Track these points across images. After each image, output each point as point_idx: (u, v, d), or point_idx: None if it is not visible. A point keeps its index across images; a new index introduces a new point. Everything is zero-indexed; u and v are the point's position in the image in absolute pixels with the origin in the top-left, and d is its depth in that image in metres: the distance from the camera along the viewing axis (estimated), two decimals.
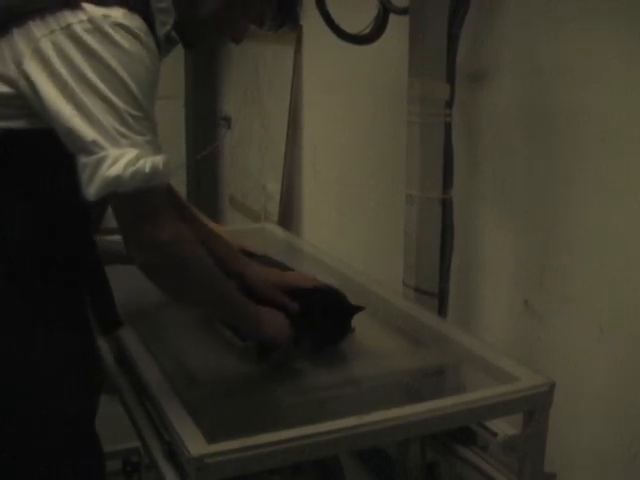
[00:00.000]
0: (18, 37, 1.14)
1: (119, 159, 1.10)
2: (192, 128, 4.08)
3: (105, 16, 1.09)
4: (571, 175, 1.82)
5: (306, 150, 3.15)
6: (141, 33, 1.13)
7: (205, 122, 4.14)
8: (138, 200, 1.15)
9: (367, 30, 2.15)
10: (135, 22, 1.12)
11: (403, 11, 2.01)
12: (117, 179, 1.10)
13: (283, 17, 1.36)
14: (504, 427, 1.38)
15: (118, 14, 1.10)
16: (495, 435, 1.37)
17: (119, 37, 1.10)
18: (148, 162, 1.12)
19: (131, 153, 1.11)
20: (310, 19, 2.36)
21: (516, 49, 1.95)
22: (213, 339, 1.60)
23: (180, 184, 4.02)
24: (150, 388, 1.36)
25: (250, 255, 1.89)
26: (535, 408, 1.37)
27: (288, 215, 3.26)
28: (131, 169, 1.10)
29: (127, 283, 1.80)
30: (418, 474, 1.90)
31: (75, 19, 1.10)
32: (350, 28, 2.18)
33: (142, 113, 1.13)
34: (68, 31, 1.09)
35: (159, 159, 1.15)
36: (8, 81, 1.15)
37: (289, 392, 1.47)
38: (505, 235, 2.05)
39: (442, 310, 2.06)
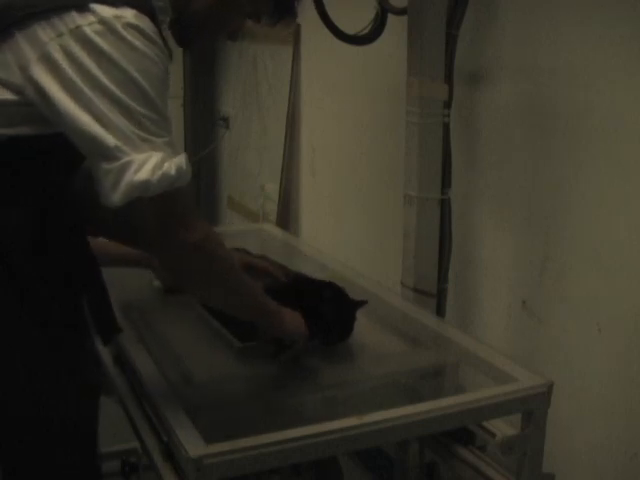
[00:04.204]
0: (22, 40, 1.09)
1: (145, 163, 1.07)
2: (190, 128, 4.08)
3: (116, 17, 1.06)
4: (570, 175, 1.82)
5: (304, 150, 3.15)
6: (152, 33, 1.10)
7: (204, 122, 4.14)
8: (167, 203, 1.12)
9: (365, 30, 2.15)
10: (145, 23, 1.09)
11: (401, 11, 2.01)
12: (145, 184, 1.07)
13: (280, 13, 1.34)
14: (503, 427, 1.38)
15: (129, 15, 1.07)
16: (494, 435, 1.37)
17: (132, 38, 1.07)
18: (173, 164, 1.10)
19: (156, 157, 1.08)
20: (308, 19, 2.36)
21: (515, 49, 1.95)
22: (211, 340, 1.60)
23: None
24: (148, 389, 1.36)
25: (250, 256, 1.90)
26: (533, 408, 1.37)
27: (286, 216, 3.26)
28: (159, 173, 1.08)
29: (126, 284, 1.80)
30: (417, 474, 1.90)
31: (85, 21, 1.06)
32: (348, 28, 2.18)
33: (159, 115, 1.11)
34: (78, 34, 1.05)
35: (181, 159, 1.13)
36: (12, 88, 1.10)
37: (288, 393, 1.47)
38: (503, 235, 2.05)
39: (440, 310, 2.06)
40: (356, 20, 2.17)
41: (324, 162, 3.00)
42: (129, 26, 1.06)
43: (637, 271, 1.67)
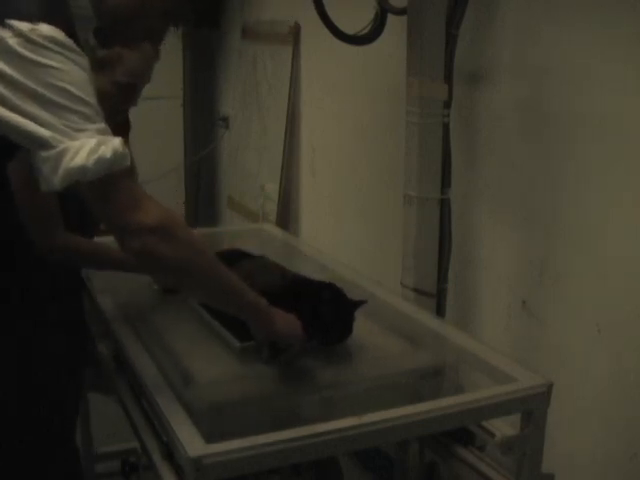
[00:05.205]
0: None
1: (80, 149, 1.11)
2: (190, 128, 4.09)
3: (32, 30, 1.10)
4: (569, 175, 1.82)
5: (304, 150, 3.15)
6: (68, 42, 1.13)
7: (203, 122, 4.14)
8: (108, 187, 1.15)
9: (365, 30, 2.16)
10: (60, 34, 1.13)
11: (401, 11, 2.01)
12: (82, 169, 1.11)
13: (200, 20, 1.36)
14: (502, 427, 1.38)
15: (44, 28, 1.11)
16: (493, 435, 1.36)
17: (50, 45, 1.11)
18: (108, 148, 1.13)
19: (90, 142, 1.11)
20: (308, 19, 2.36)
21: (515, 49, 1.95)
22: (211, 340, 1.60)
23: (179, 184, 4.02)
24: (148, 389, 1.36)
25: (248, 256, 1.90)
26: (533, 408, 1.37)
27: (286, 216, 3.26)
28: (94, 157, 1.11)
29: (126, 285, 1.80)
30: (417, 474, 1.90)
31: (6, 34, 1.10)
32: (348, 28, 2.18)
33: (86, 107, 1.13)
34: (0, 45, 1.09)
35: (117, 142, 1.15)
36: None
37: (287, 393, 1.47)
38: (503, 235, 2.05)
39: (440, 310, 2.06)
40: (356, 20, 2.17)
41: (324, 162, 3.00)
42: (45, 37, 1.11)
43: (637, 271, 1.67)
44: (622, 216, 1.70)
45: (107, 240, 1.61)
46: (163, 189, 3.38)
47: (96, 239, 1.79)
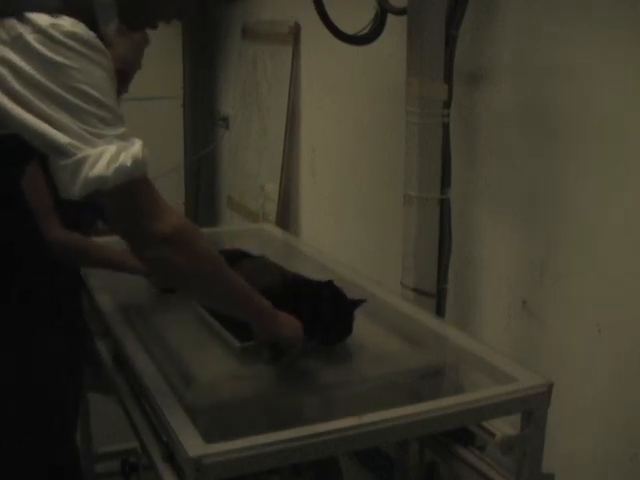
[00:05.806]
0: None
1: (100, 158, 1.08)
2: (190, 128, 4.09)
3: (53, 25, 1.07)
4: (569, 175, 1.82)
5: (304, 150, 3.15)
6: (90, 38, 1.11)
7: (204, 122, 4.14)
8: (126, 194, 1.12)
9: (365, 30, 2.16)
10: (82, 29, 1.10)
11: (401, 11, 2.01)
12: (101, 179, 1.08)
13: None
14: (502, 427, 1.38)
15: (66, 23, 1.08)
16: (493, 435, 1.36)
17: (72, 43, 1.08)
18: (129, 155, 1.10)
19: (110, 150, 1.09)
20: (308, 19, 2.36)
21: (515, 49, 1.95)
22: (211, 340, 1.60)
23: (178, 184, 4.03)
24: (148, 389, 1.36)
25: (248, 256, 1.90)
26: (533, 408, 1.37)
27: (286, 216, 3.26)
28: (114, 166, 1.09)
29: (125, 285, 1.80)
30: (417, 474, 1.90)
31: (24, 30, 1.07)
32: (348, 28, 2.18)
33: (107, 111, 1.11)
34: (20, 42, 1.06)
35: (137, 149, 1.13)
36: None
37: (287, 393, 1.47)
38: (503, 235, 2.05)
39: (440, 310, 2.06)
40: (356, 20, 2.17)
41: (324, 162, 3.00)
42: (66, 34, 1.07)
43: (637, 271, 1.67)
44: (622, 216, 1.70)
45: (105, 240, 1.62)
46: (163, 189, 3.34)
47: (95, 239, 1.79)
